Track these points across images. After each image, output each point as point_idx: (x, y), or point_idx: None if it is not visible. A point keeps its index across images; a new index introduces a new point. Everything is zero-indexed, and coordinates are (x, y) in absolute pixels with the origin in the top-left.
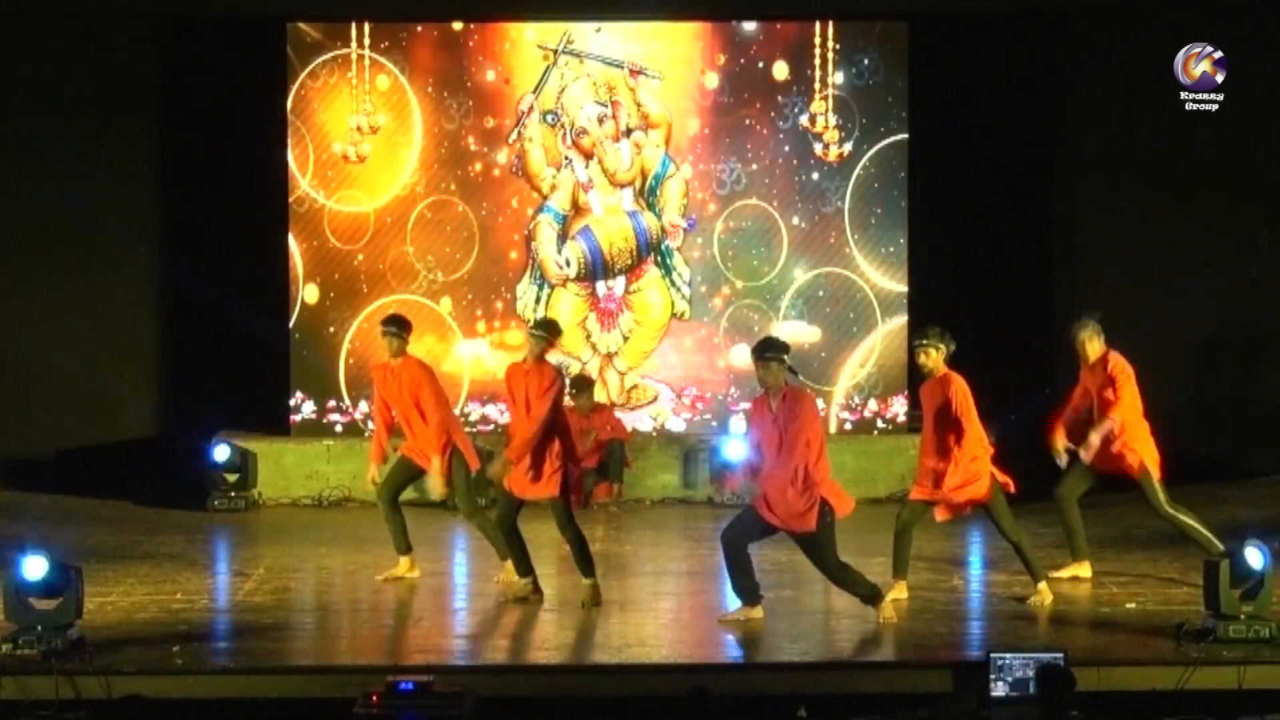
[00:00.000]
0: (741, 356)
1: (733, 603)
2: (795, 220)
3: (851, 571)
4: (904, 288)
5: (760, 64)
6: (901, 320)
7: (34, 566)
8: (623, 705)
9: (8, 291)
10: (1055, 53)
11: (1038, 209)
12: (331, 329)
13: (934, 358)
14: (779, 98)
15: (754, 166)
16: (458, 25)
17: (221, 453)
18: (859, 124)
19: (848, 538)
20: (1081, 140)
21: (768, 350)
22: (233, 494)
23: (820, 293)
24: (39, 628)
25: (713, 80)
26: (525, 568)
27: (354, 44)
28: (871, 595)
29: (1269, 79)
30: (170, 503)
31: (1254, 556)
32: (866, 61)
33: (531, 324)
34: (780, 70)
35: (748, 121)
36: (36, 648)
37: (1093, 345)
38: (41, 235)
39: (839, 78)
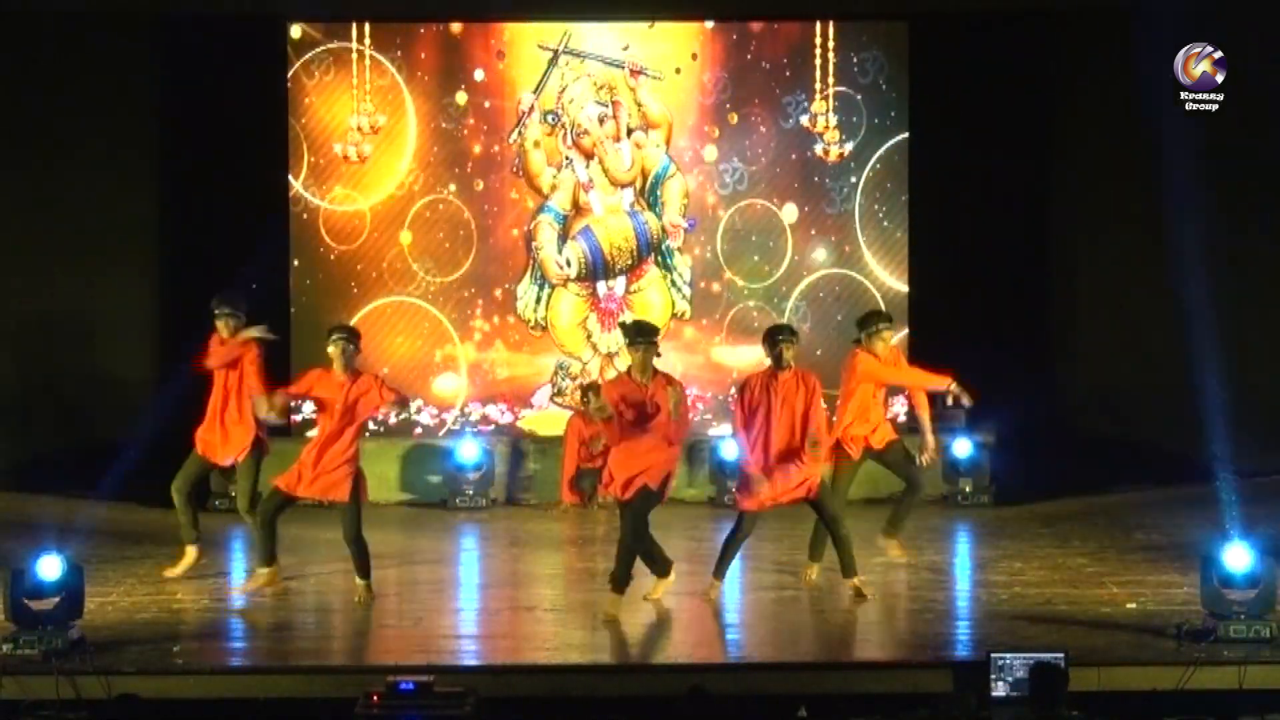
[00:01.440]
0: (743, 357)
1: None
2: (798, 221)
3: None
4: (905, 288)
5: (761, 64)
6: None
7: (49, 566)
8: (623, 705)
9: (10, 292)
10: (1055, 52)
11: (1038, 209)
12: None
13: (793, 352)
14: (780, 97)
15: (755, 166)
16: (457, 26)
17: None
18: (859, 124)
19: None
20: (1081, 139)
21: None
22: (233, 495)
23: (825, 294)
24: (40, 627)
25: (713, 80)
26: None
27: (354, 44)
28: (621, 581)
29: (1269, 79)
30: (171, 503)
31: (1238, 556)
32: (867, 62)
33: (336, 332)
34: (781, 70)
35: (749, 121)
36: (37, 647)
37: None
38: (44, 235)
39: (839, 78)
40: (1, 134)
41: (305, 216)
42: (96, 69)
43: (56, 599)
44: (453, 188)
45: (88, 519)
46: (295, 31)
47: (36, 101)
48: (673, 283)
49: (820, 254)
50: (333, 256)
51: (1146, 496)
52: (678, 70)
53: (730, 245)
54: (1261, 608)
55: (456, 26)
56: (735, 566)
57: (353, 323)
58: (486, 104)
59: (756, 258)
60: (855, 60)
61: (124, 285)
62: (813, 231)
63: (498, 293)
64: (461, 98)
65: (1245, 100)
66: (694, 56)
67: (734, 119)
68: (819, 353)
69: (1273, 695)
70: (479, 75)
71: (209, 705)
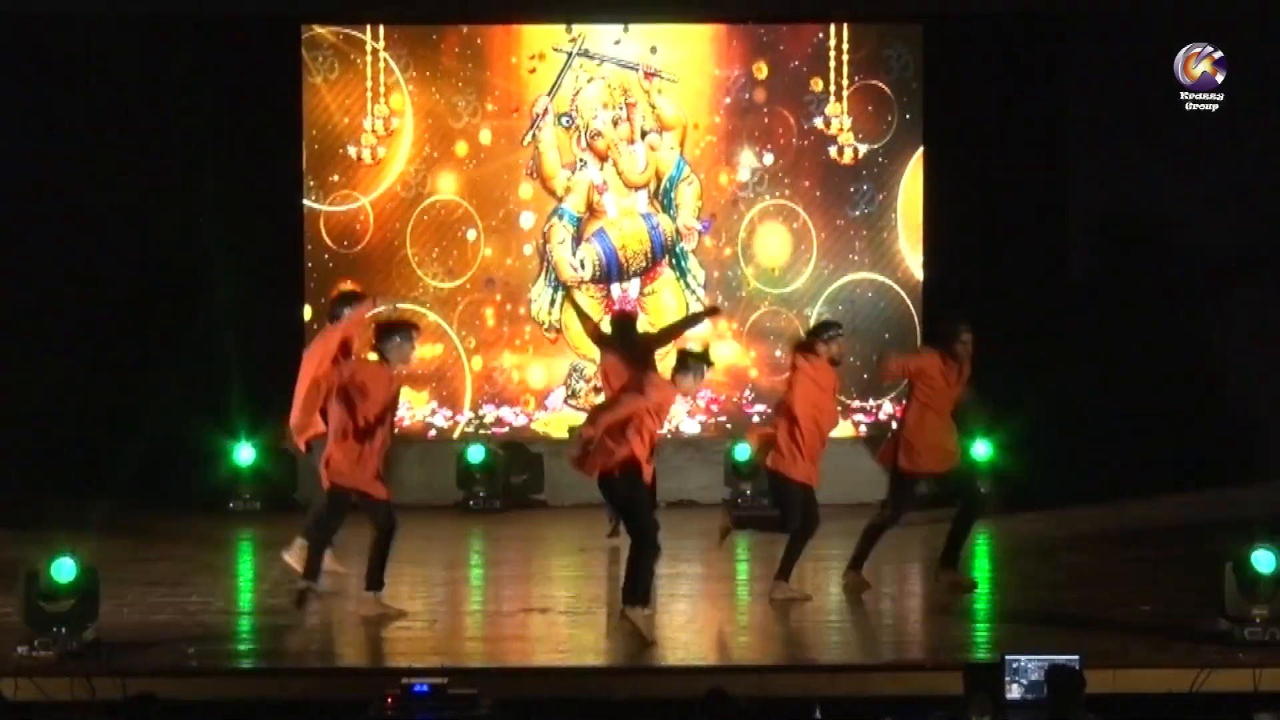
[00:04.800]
0: (760, 359)
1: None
2: (815, 224)
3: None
4: (919, 291)
5: (776, 66)
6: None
7: (64, 569)
8: (638, 707)
9: (19, 285)
10: (1069, 50)
11: (1054, 213)
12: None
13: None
14: (796, 100)
15: (772, 169)
16: (472, 28)
17: (247, 455)
18: (874, 126)
19: (849, 540)
20: (1096, 137)
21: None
22: (249, 496)
23: (848, 297)
24: (56, 629)
25: (728, 82)
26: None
27: (368, 46)
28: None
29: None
30: (187, 505)
31: (1262, 559)
32: (882, 63)
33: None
34: (797, 73)
35: (765, 124)
36: (53, 649)
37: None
38: (55, 237)
39: (854, 80)
40: (13, 135)
41: (317, 220)
42: (108, 72)
43: (72, 601)
44: (466, 190)
45: (102, 520)
46: (309, 33)
47: (48, 104)
48: (687, 285)
49: (841, 256)
50: (341, 259)
51: (1161, 498)
52: (686, 73)
53: (749, 247)
54: (1277, 610)
55: (471, 28)
56: (749, 571)
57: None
58: (501, 106)
59: (773, 261)
60: (870, 62)
61: (139, 286)
62: (830, 234)
63: (512, 295)
64: (475, 100)
65: (1245, 100)
66: (709, 58)
67: (751, 120)
68: (853, 359)
69: None
70: (494, 77)
71: (223, 706)
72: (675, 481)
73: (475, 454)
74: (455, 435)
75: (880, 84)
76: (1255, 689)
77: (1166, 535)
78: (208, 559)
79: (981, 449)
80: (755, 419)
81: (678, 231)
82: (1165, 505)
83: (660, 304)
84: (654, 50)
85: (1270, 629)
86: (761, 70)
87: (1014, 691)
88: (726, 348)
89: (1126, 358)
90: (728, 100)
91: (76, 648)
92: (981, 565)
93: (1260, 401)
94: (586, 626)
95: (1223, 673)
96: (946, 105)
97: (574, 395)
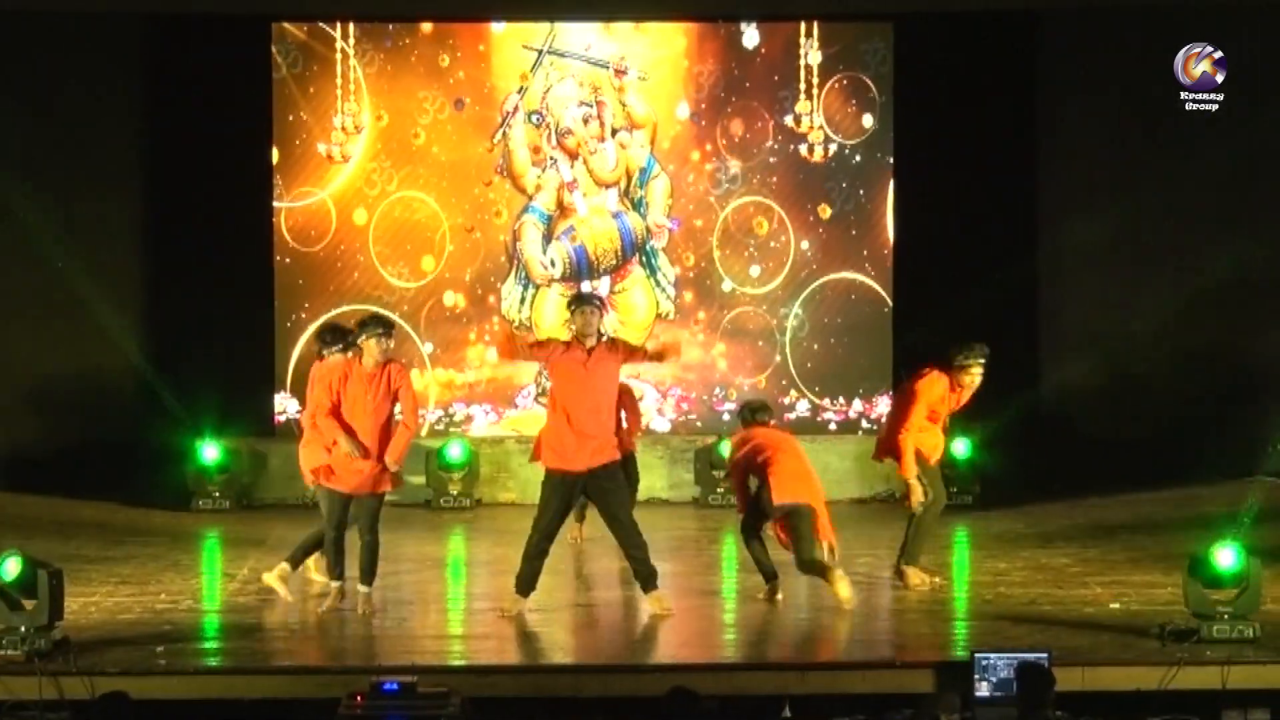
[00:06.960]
0: (732, 358)
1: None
2: (790, 221)
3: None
4: (890, 287)
5: (747, 64)
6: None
7: (9, 567)
8: (608, 705)
9: None
10: (1041, 50)
11: (1024, 211)
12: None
13: None
14: (767, 98)
15: (745, 167)
16: (441, 26)
17: (213, 453)
18: (848, 124)
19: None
20: (1071, 140)
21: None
22: (217, 495)
23: (823, 297)
24: (23, 628)
25: (699, 80)
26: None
27: (338, 43)
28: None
29: (1269, 79)
30: (154, 503)
31: (1225, 556)
32: (856, 61)
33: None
34: (766, 70)
35: (737, 122)
36: (20, 648)
37: None
38: (28, 237)
39: (827, 78)
40: None
41: (286, 218)
42: (81, 70)
43: (38, 600)
44: (433, 187)
45: (71, 519)
46: (279, 31)
47: (22, 103)
48: (657, 283)
49: (816, 254)
50: (303, 257)
51: (1130, 496)
52: (660, 69)
53: (721, 246)
54: (1245, 608)
55: (441, 26)
56: (722, 568)
57: (317, 324)
58: (471, 104)
59: (745, 260)
60: (856, 53)
61: (109, 288)
62: (808, 232)
63: (480, 293)
64: (446, 98)
65: (1244, 100)
66: (680, 56)
67: (723, 118)
68: (816, 348)
69: (1256, 695)
70: (463, 75)
71: (192, 706)
72: (645, 480)
73: (455, 452)
74: (424, 433)
75: (853, 81)
76: (1223, 686)
77: (1136, 532)
78: (175, 557)
79: (960, 447)
80: (725, 417)
81: (648, 229)
82: (1135, 502)
83: (630, 302)
84: (623, 50)
85: (1238, 626)
86: (733, 68)
87: (983, 689)
88: (699, 349)
89: (1100, 356)
90: (699, 98)
91: (44, 647)
92: (952, 562)
93: (1234, 401)
94: (556, 625)
95: (1191, 670)
96: (919, 102)
97: (544, 393)
